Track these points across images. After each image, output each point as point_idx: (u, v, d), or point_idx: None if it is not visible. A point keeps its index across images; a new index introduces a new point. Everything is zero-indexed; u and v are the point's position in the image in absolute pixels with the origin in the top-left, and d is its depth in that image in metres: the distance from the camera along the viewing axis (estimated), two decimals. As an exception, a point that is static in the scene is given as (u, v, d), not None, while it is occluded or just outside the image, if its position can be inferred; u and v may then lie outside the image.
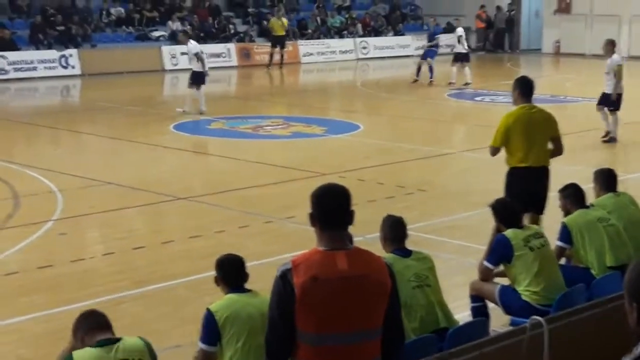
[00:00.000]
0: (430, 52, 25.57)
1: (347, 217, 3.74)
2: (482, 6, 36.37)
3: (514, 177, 8.02)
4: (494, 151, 8.30)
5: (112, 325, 4.44)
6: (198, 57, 19.36)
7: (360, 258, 3.73)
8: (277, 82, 28.08)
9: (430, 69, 25.08)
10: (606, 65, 15.73)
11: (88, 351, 4.21)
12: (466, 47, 25.22)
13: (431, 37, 25.97)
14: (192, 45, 19.65)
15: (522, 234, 6.07)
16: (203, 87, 19.29)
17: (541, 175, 7.95)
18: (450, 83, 24.88)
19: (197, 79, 19.19)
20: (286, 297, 3.62)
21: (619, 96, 15.40)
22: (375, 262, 3.77)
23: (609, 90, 15.50)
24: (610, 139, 15.66)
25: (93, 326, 4.33)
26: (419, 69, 25.33)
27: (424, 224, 9.92)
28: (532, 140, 7.96)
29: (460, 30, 25.13)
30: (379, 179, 12.67)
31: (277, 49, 29.82)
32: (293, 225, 10.09)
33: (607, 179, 7.06)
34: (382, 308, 3.73)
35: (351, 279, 3.65)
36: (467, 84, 24.76)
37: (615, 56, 15.52)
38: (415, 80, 25.17)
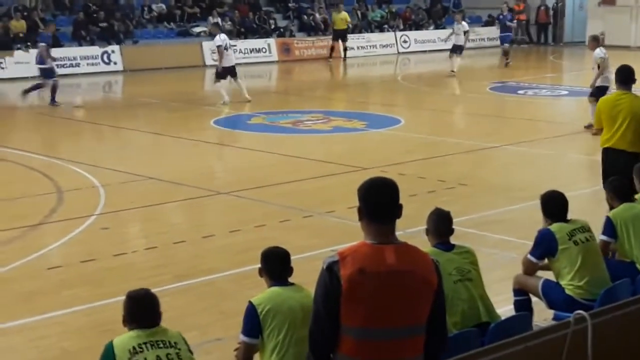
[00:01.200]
0: (506, 37, 28.97)
1: (395, 210, 3.70)
2: (523, -1, 35.96)
3: (602, 155, 8.74)
4: (597, 132, 9.64)
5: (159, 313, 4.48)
6: (219, 50, 19.81)
7: (408, 253, 3.69)
8: (318, 77, 28.06)
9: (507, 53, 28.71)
10: (592, 59, 16.54)
11: (127, 335, 4.32)
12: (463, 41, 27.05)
13: (503, 25, 29.06)
14: (217, 38, 20.11)
15: (567, 228, 5.99)
16: (235, 79, 20.00)
17: (624, 157, 8.31)
18: (452, 71, 26.18)
19: (224, 73, 19.90)
20: (332, 290, 3.59)
21: (605, 88, 15.46)
22: (422, 259, 3.73)
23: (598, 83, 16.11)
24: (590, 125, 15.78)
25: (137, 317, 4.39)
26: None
27: (465, 218, 9.82)
28: (615, 124, 8.44)
29: (466, 25, 27.15)
30: (420, 173, 12.60)
31: (339, 43, 30.37)
32: (333, 219, 10.07)
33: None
34: (427, 305, 3.69)
35: (398, 274, 3.61)
36: (452, 71, 26.17)
37: (597, 50, 16.32)
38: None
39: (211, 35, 29.12)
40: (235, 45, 26.29)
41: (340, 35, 30.40)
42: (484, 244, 9.09)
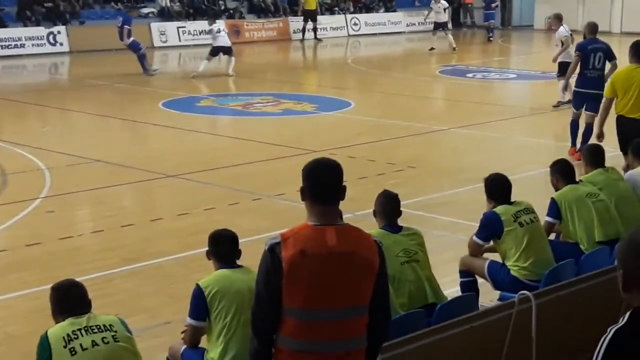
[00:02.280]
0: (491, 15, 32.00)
1: (339, 192, 3.70)
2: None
3: (616, 122, 9.74)
4: (605, 101, 9.97)
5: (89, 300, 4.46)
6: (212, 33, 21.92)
7: (350, 235, 3.70)
8: (268, 60, 27.94)
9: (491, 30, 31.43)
10: (555, 38, 17.66)
11: (60, 324, 4.29)
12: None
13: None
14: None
15: (512, 210, 6.06)
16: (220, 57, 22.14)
17: (636, 124, 9.42)
18: (432, 49, 27.83)
19: (215, 51, 21.93)
20: (274, 271, 3.59)
21: (568, 64, 15.32)
22: (364, 240, 3.74)
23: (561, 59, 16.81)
24: (558, 103, 16.81)
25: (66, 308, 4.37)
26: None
27: (414, 201, 9.90)
28: (628, 94, 9.48)
29: (445, 3, 28.98)
30: (369, 156, 12.65)
31: (310, 23, 30.87)
32: (283, 202, 10.07)
33: (594, 155, 7.05)
34: (369, 286, 3.70)
35: (340, 255, 3.62)
36: (454, 49, 28.29)
37: (561, 29, 17.29)
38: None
39: (162, 17, 28.98)
40: (184, 27, 26.06)
41: (310, 15, 30.63)
42: (433, 226, 9.17)
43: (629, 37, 30.78)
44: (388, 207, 5.58)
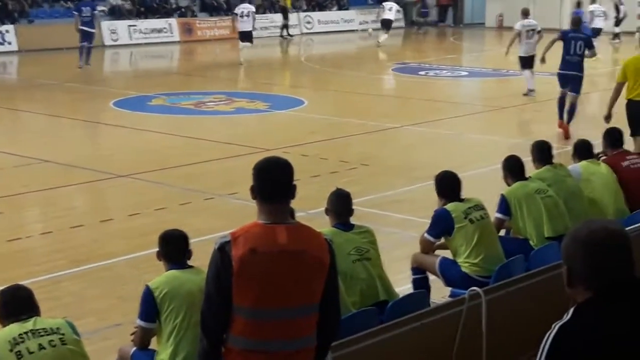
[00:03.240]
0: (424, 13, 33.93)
1: (289, 190, 3.68)
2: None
3: (626, 106, 10.58)
4: (616, 85, 10.73)
5: (36, 304, 4.42)
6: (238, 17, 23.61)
7: (300, 233, 3.69)
8: (220, 58, 27.80)
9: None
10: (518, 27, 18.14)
11: (6, 328, 4.26)
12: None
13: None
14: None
15: (462, 207, 6.09)
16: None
17: None
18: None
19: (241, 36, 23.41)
20: (223, 270, 3.56)
21: (532, 57, 17.48)
22: (315, 238, 3.73)
23: (521, 53, 17.75)
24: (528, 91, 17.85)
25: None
26: None
27: (366, 198, 9.92)
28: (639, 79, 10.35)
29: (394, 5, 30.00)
30: (322, 154, 12.64)
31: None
32: (235, 201, 10.01)
33: (542, 152, 7.12)
34: (319, 285, 3.68)
35: (290, 254, 3.60)
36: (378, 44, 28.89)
37: (518, 23, 18.10)
38: None
39: (112, 15, 28.67)
40: (135, 25, 25.79)
41: (285, 11, 31.74)
42: (386, 223, 9.19)
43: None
44: (340, 205, 5.58)
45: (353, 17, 35.57)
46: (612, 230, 2.44)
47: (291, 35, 32.19)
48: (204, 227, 8.61)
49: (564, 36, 14.33)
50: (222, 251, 3.58)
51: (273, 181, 3.66)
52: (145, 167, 11.73)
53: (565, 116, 14.02)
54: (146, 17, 29.77)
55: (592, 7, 27.09)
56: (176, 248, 4.87)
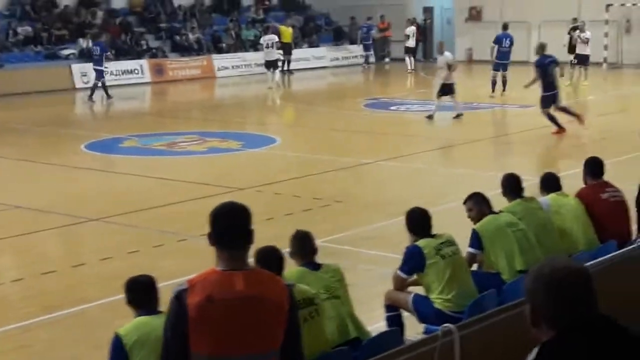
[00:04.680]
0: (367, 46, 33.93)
1: (246, 237, 3.68)
2: (381, 16, 36.74)
3: None
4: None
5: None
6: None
7: (258, 279, 3.68)
8: (192, 98, 27.83)
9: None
10: (438, 61, 20.50)
11: None
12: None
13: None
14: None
15: (433, 243, 6.11)
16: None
17: None
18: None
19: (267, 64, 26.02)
20: (180, 318, 3.56)
21: (451, 85, 19.85)
22: (273, 284, 3.73)
23: (442, 81, 20.05)
24: (457, 115, 19.62)
25: None
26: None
27: (340, 235, 9.92)
28: None
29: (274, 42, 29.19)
30: (295, 192, 12.64)
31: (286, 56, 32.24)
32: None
33: (512, 185, 7.17)
34: (279, 330, 3.67)
35: (248, 300, 3.60)
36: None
37: (446, 53, 20.29)
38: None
39: (82, 58, 28.64)
40: (107, 68, 25.75)
41: (287, 47, 31.90)
42: (360, 260, 9.19)
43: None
44: (302, 247, 5.62)
45: (324, 54, 35.81)
46: (575, 268, 2.45)
47: (291, 72, 32.44)
48: (177, 269, 8.54)
49: (541, 65, 16.63)
50: (179, 299, 3.58)
51: (229, 228, 3.66)
52: (118, 209, 11.66)
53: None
54: (117, 59, 29.73)
55: (577, 34, 27.29)
56: (142, 294, 4.84)
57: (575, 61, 26.65)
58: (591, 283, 2.46)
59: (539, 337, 2.48)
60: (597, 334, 2.42)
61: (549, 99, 16.95)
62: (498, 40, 24.37)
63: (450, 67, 19.83)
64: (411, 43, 33.09)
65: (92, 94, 24.61)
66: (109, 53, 25.56)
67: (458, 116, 19.65)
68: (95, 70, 24.77)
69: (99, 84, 24.60)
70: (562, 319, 2.43)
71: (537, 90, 17.43)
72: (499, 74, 23.70)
